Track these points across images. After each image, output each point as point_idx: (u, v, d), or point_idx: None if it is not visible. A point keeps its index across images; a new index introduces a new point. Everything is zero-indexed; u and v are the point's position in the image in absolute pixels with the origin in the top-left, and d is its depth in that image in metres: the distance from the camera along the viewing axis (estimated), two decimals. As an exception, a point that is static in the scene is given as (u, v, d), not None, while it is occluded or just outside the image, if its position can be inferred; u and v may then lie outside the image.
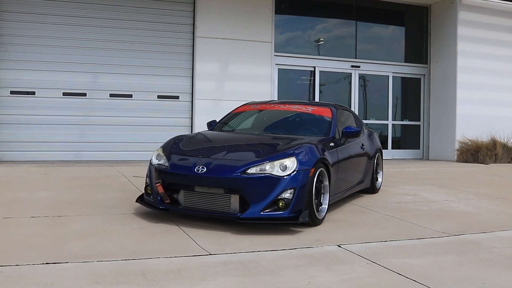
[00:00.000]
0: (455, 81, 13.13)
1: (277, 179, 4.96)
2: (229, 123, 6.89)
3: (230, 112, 7.20)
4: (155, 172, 5.37)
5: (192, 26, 11.45)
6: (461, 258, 4.41)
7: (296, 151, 5.22)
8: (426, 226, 5.55)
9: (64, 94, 10.51)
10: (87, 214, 5.48)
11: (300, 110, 6.85)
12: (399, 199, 7.12)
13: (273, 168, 5.02)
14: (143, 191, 5.78)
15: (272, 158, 5.11)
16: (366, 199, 7.03)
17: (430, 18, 13.93)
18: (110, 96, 10.83)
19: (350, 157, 6.46)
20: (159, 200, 5.20)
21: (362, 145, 7.01)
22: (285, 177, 4.98)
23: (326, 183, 5.52)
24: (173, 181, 5.23)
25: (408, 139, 14.19)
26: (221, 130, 6.72)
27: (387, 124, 13.70)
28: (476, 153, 12.41)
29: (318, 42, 13.25)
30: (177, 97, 11.36)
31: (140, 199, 5.59)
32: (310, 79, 12.99)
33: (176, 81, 11.34)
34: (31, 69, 10.27)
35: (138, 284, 3.43)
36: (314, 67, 12.89)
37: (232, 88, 11.60)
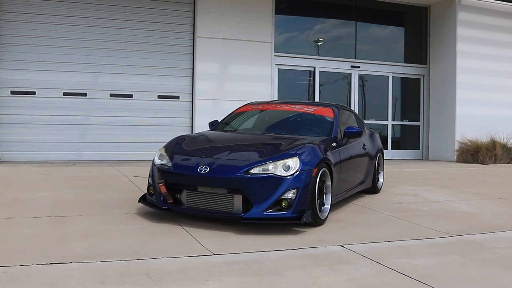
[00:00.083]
0: (454, 81, 13.15)
1: (280, 179, 4.96)
2: (231, 123, 6.89)
3: (232, 112, 7.20)
4: (157, 172, 5.36)
5: (192, 26, 11.45)
6: (464, 258, 4.41)
7: (298, 151, 5.22)
8: (428, 226, 5.56)
9: (65, 94, 10.51)
10: (89, 214, 5.47)
11: (302, 110, 6.86)
12: (400, 200, 7.12)
13: (276, 168, 5.02)
14: (146, 191, 5.78)
15: (275, 158, 5.12)
16: (367, 199, 7.04)
17: (429, 19, 13.95)
18: (110, 96, 10.83)
19: (352, 157, 6.46)
20: (162, 200, 5.20)
21: (364, 145, 7.02)
22: (288, 177, 4.99)
23: (329, 183, 5.52)
24: (176, 181, 5.23)
25: (408, 139, 14.21)
26: (223, 130, 6.72)
27: (387, 124, 13.72)
28: (475, 154, 12.43)
29: (318, 42, 13.26)
30: (177, 97, 11.36)
31: (143, 199, 5.59)
32: (310, 79, 13.00)
33: (177, 81, 11.34)
34: (31, 69, 10.27)
35: (143, 284, 3.43)
36: (314, 67, 12.91)
37: (232, 88, 11.60)
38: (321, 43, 13.29)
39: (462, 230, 5.42)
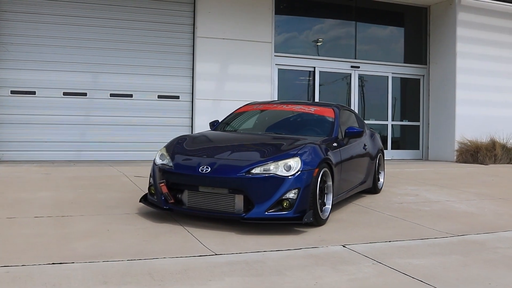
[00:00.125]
0: (454, 81, 13.16)
1: (281, 179, 4.96)
2: (232, 123, 6.89)
3: (232, 112, 7.20)
4: (159, 172, 5.36)
5: (192, 26, 11.45)
6: (466, 258, 4.42)
7: (300, 151, 5.22)
8: (429, 226, 5.56)
9: (65, 94, 10.50)
10: (90, 214, 5.47)
11: (303, 110, 6.86)
12: (401, 200, 7.13)
13: (278, 168, 5.02)
14: (147, 191, 5.78)
15: (276, 158, 5.12)
16: (368, 199, 7.04)
17: (429, 19, 13.96)
18: (110, 96, 10.82)
19: (352, 157, 6.46)
20: (163, 200, 5.19)
21: (364, 145, 7.02)
22: (289, 177, 4.99)
23: (330, 183, 5.52)
24: (177, 181, 5.23)
25: (408, 139, 14.21)
26: (224, 130, 6.71)
27: (387, 124, 13.72)
28: (475, 154, 12.44)
29: (318, 42, 13.27)
30: (177, 97, 11.36)
31: (144, 199, 5.58)
32: (310, 80, 13.00)
33: (177, 81, 11.34)
34: (32, 68, 10.26)
35: (146, 285, 3.42)
36: (314, 68, 12.91)
37: (232, 88, 11.60)
38: (321, 43, 13.30)
39: (463, 230, 5.42)
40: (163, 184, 5.19)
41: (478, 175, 10.24)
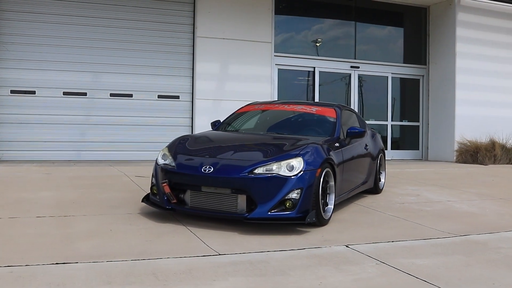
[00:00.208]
0: (453, 82, 13.17)
1: (284, 179, 4.96)
2: (234, 123, 6.89)
3: (234, 112, 7.19)
4: (161, 172, 5.35)
5: (192, 26, 11.45)
6: (469, 258, 4.42)
7: (302, 152, 5.22)
8: (431, 226, 5.56)
9: (65, 93, 10.48)
10: (92, 214, 5.46)
11: (304, 111, 6.86)
12: (402, 200, 7.13)
13: (280, 168, 5.02)
14: (148, 191, 5.77)
15: (279, 158, 5.11)
16: (369, 199, 7.04)
17: (428, 19, 13.97)
18: (110, 96, 10.81)
19: (354, 157, 6.47)
20: (166, 200, 5.19)
21: (366, 145, 7.02)
22: (292, 177, 4.98)
23: (332, 183, 5.52)
24: (180, 181, 5.22)
25: (407, 139, 14.23)
26: (226, 130, 6.71)
27: (386, 124, 13.73)
28: (475, 154, 12.45)
29: (318, 42, 13.27)
30: (177, 97, 11.35)
31: (146, 199, 5.57)
32: (310, 80, 13.00)
33: (177, 81, 11.33)
34: (32, 68, 10.25)
35: (150, 285, 3.42)
36: (314, 68, 12.91)
37: (232, 88, 11.60)
38: (320, 43, 13.30)
39: (465, 230, 5.42)
40: (165, 184, 5.19)
41: (478, 175, 10.25)
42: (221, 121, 7.00)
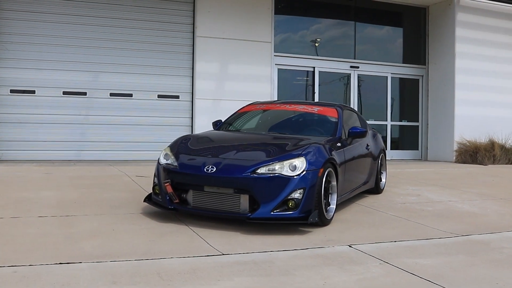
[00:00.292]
0: (453, 82, 13.18)
1: (287, 179, 4.95)
2: (235, 123, 6.88)
3: (235, 112, 7.18)
4: (163, 172, 5.34)
5: (192, 25, 11.43)
6: (472, 258, 4.42)
7: (305, 152, 5.21)
8: (434, 226, 5.57)
9: (64, 93, 10.45)
10: (94, 213, 5.45)
11: (306, 110, 6.86)
12: (403, 200, 7.13)
13: (283, 168, 5.01)
14: (149, 191, 5.76)
15: (282, 158, 5.11)
16: (371, 199, 7.04)
17: (428, 19, 13.97)
18: (110, 95, 10.79)
19: (356, 157, 6.47)
20: (168, 200, 5.17)
21: (367, 145, 7.02)
22: (294, 177, 4.98)
23: (334, 183, 5.52)
24: (182, 180, 5.21)
25: (407, 140, 14.23)
26: (228, 130, 6.70)
27: (386, 124, 13.73)
28: (474, 154, 12.46)
29: (317, 42, 13.27)
30: (177, 97, 11.33)
31: (148, 199, 5.56)
32: (309, 80, 13.00)
33: (176, 81, 11.31)
34: (31, 68, 10.21)
35: (155, 285, 3.41)
36: (314, 68, 12.91)
37: (232, 88, 11.59)
38: (320, 43, 13.30)
39: (467, 230, 5.43)
40: (168, 183, 5.17)
41: (478, 176, 10.26)
42: (223, 121, 6.99)
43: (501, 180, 9.80)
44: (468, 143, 12.71)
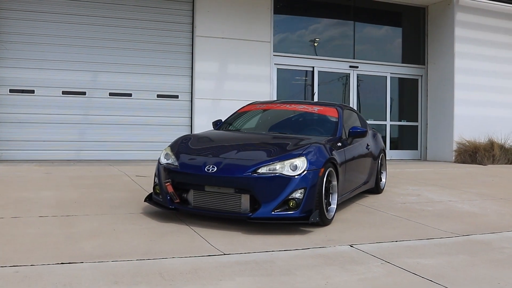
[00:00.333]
0: (452, 82, 13.19)
1: (287, 179, 4.95)
2: (235, 123, 6.87)
3: (235, 112, 7.18)
4: (164, 172, 5.34)
5: (191, 25, 11.43)
6: (473, 258, 4.42)
7: (305, 151, 5.21)
8: (434, 226, 5.57)
9: (64, 92, 10.45)
10: (94, 213, 5.44)
11: (306, 110, 6.85)
12: (403, 200, 7.13)
13: (284, 168, 5.01)
14: (149, 191, 5.76)
15: (282, 158, 5.10)
16: (371, 199, 7.04)
17: (427, 19, 13.98)
18: (109, 95, 10.78)
19: (356, 157, 6.47)
20: (169, 200, 5.17)
21: (367, 145, 7.02)
22: (295, 176, 4.98)
23: (335, 183, 5.51)
24: (183, 180, 5.21)
25: (406, 139, 14.24)
26: (228, 130, 6.70)
27: (385, 124, 13.74)
28: (474, 154, 12.47)
29: (317, 42, 13.27)
30: (176, 97, 11.33)
31: (149, 199, 5.56)
32: (309, 79, 13.00)
33: (176, 80, 11.31)
34: (30, 67, 10.20)
35: (157, 284, 3.40)
36: (313, 67, 12.91)
37: (232, 88, 11.59)
38: (319, 43, 13.30)
39: (468, 230, 5.43)
40: (168, 183, 5.17)
41: (477, 176, 10.27)
42: (223, 120, 6.99)
43: (501, 180, 9.81)
44: (467, 143, 12.73)
